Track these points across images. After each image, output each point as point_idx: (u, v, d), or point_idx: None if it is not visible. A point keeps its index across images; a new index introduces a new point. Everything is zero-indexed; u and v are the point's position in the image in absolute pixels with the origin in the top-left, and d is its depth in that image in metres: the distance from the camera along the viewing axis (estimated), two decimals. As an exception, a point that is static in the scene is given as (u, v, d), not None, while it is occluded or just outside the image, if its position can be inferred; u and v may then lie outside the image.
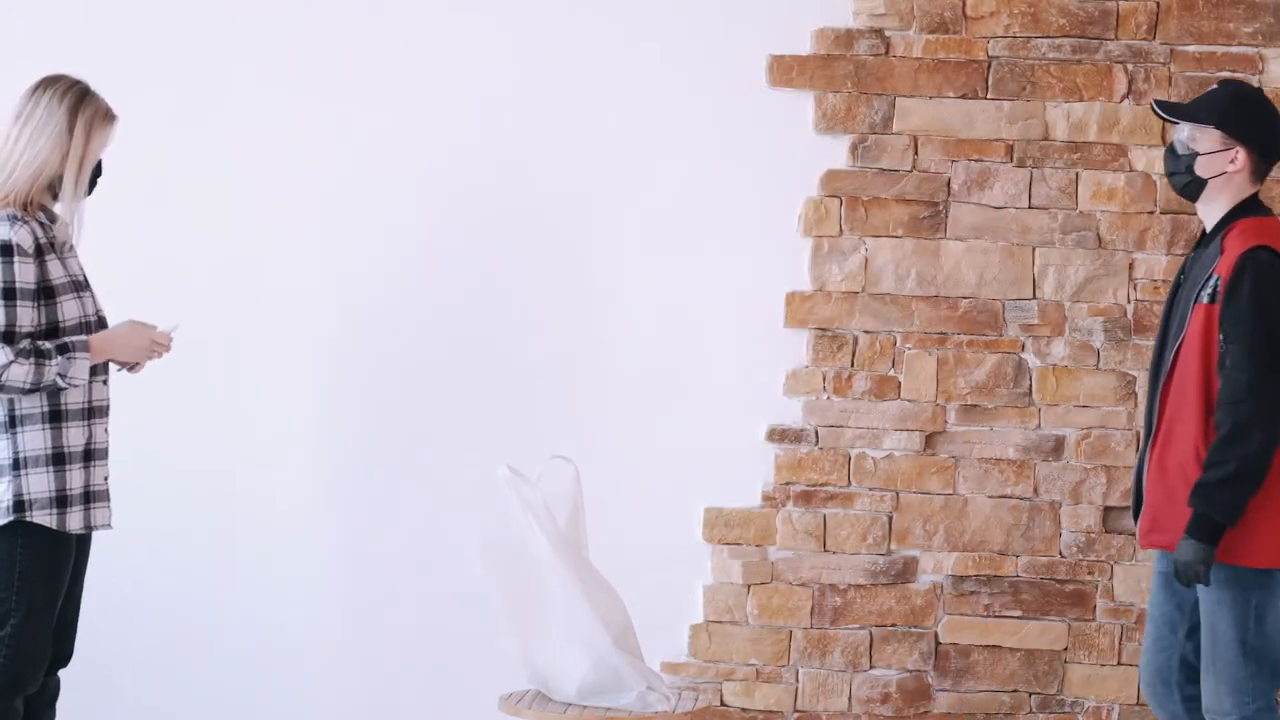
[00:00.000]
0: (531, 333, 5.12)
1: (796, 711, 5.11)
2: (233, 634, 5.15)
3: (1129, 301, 5.08)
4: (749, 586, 5.10)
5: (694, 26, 5.09)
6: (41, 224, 4.02)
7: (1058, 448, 5.08)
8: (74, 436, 4.01)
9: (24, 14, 5.13)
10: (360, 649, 5.13)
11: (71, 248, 4.10)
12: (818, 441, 5.09)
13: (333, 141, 5.11)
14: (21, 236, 3.93)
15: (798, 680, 5.11)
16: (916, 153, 5.08)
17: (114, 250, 5.13)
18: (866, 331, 5.09)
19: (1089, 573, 5.09)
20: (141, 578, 5.15)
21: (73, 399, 4.00)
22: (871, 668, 5.11)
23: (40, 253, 3.97)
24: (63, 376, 3.94)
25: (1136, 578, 5.08)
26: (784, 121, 5.08)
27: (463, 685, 5.07)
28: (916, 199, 5.08)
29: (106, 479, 4.11)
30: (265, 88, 5.12)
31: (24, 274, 3.92)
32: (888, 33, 5.07)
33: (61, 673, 5.18)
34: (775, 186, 5.09)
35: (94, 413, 4.06)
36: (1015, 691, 5.11)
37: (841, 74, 5.07)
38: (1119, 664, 5.10)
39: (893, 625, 5.11)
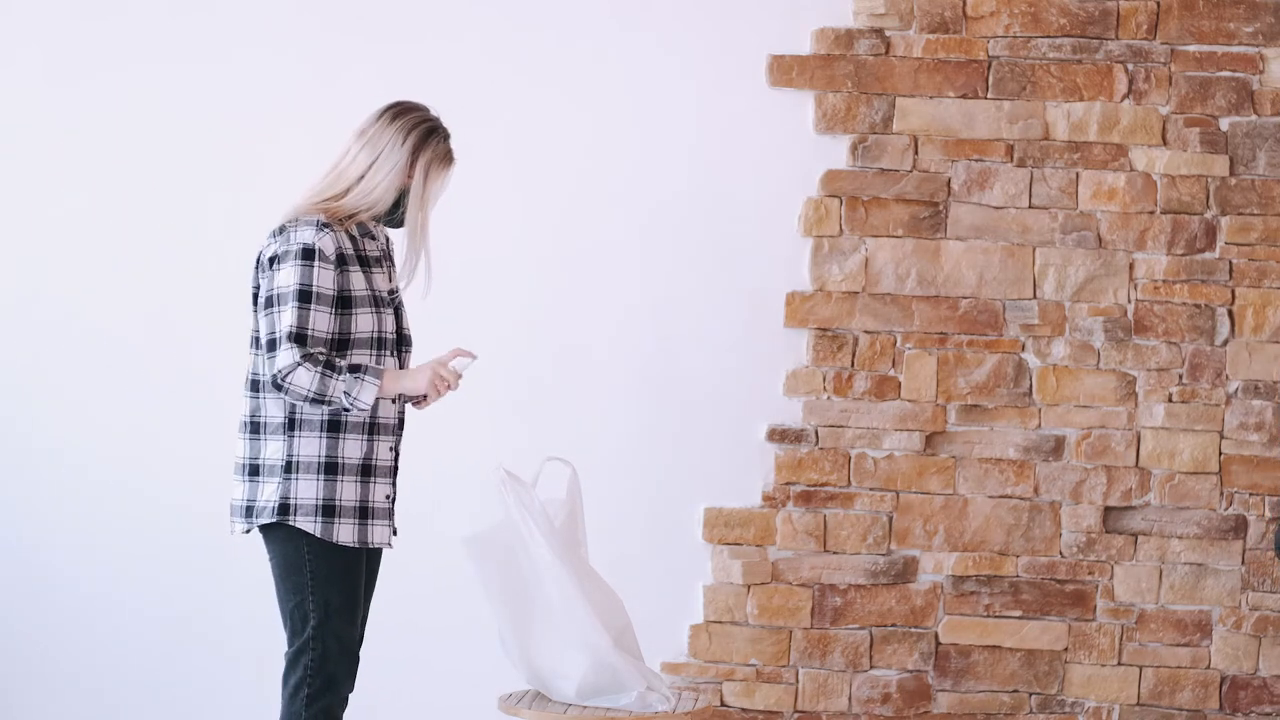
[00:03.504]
0: (530, 332, 5.12)
1: (796, 712, 5.11)
2: (232, 634, 5.15)
3: (1129, 301, 5.08)
4: (749, 586, 5.10)
5: (694, 26, 5.09)
6: (352, 236, 3.95)
7: (1058, 448, 5.08)
8: (351, 449, 3.94)
9: (26, 7, 5.14)
10: (360, 649, 5.13)
11: (380, 262, 4.01)
12: (818, 441, 5.09)
13: (325, 137, 5.10)
14: (325, 243, 3.86)
15: (798, 680, 5.11)
16: (916, 153, 5.08)
17: (100, 243, 5.16)
18: (866, 331, 5.09)
19: (1089, 573, 5.09)
20: (142, 578, 5.16)
21: (354, 412, 3.94)
22: (871, 668, 5.11)
23: (343, 262, 3.90)
24: (348, 395, 3.86)
25: (1136, 578, 5.08)
26: (784, 121, 5.08)
27: (462, 685, 5.07)
28: (916, 199, 5.09)
29: (389, 497, 4.02)
30: (253, 82, 5.13)
31: (323, 279, 3.86)
32: (888, 33, 5.07)
33: (62, 674, 5.20)
34: (775, 186, 5.09)
35: (376, 429, 3.97)
36: (1015, 692, 5.11)
37: (841, 74, 5.07)
38: (1119, 664, 5.10)
39: (893, 625, 5.11)
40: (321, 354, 3.86)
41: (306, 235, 3.87)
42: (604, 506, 5.03)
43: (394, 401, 4.03)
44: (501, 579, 4.18)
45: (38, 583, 5.17)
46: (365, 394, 3.87)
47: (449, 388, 4.02)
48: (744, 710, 5.11)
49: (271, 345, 3.85)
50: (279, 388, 3.85)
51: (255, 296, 3.95)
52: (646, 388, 5.11)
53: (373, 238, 4.03)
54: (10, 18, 5.15)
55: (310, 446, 3.91)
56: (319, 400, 3.86)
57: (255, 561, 5.03)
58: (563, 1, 5.11)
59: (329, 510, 3.92)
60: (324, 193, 3.95)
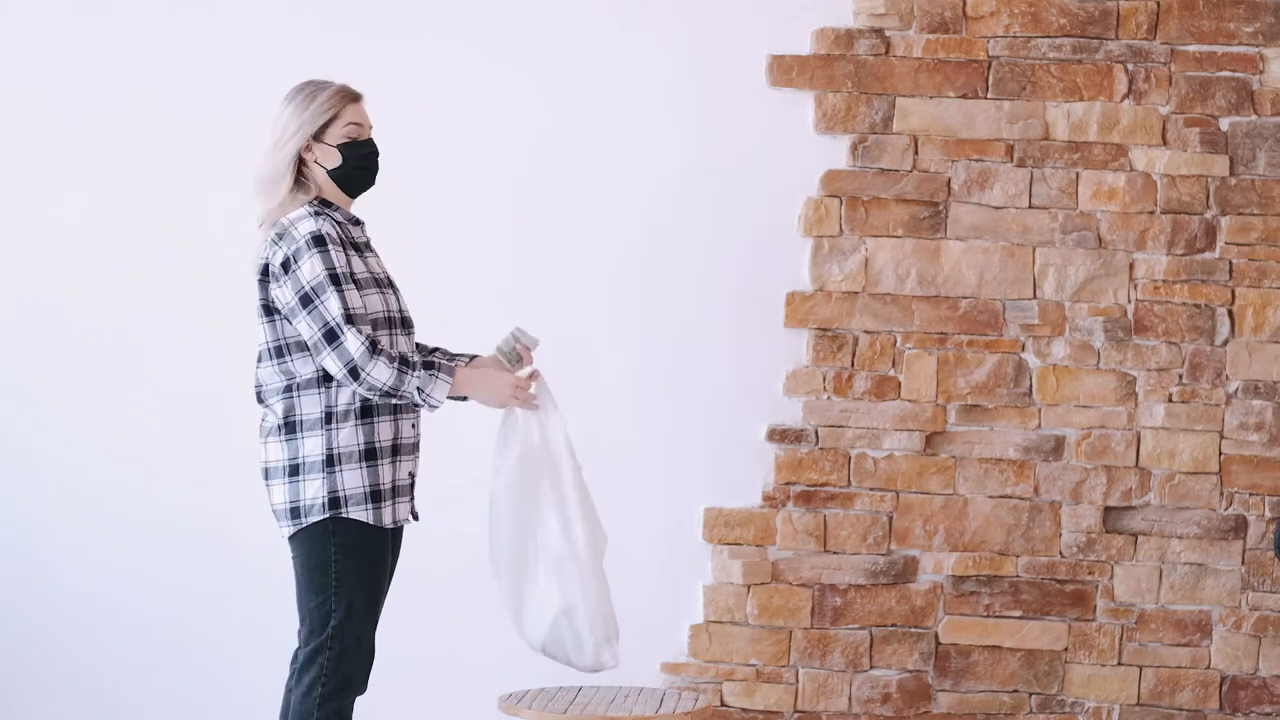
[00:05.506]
0: (530, 331, 5.11)
1: (796, 712, 5.12)
2: (232, 634, 5.15)
3: (1129, 301, 5.08)
4: (749, 586, 5.10)
5: (694, 26, 5.09)
6: (339, 222, 3.97)
7: (1058, 448, 5.08)
8: (384, 431, 3.96)
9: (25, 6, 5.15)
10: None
11: (369, 247, 4.05)
12: (818, 441, 5.09)
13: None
14: (327, 228, 3.90)
15: (798, 680, 5.11)
16: (916, 153, 5.08)
17: (100, 243, 5.16)
18: (866, 331, 5.09)
19: (1089, 573, 5.09)
20: (143, 578, 5.16)
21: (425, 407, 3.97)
22: (872, 668, 5.11)
23: (341, 245, 3.93)
24: (421, 392, 3.89)
25: (1136, 578, 5.08)
26: (784, 121, 5.09)
27: (463, 685, 5.07)
28: (916, 199, 5.09)
29: (411, 474, 4.06)
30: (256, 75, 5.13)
31: (341, 260, 3.89)
32: (888, 33, 5.07)
33: (62, 674, 5.20)
34: (775, 186, 5.09)
35: (400, 408, 3.99)
36: (1015, 692, 5.11)
37: (841, 74, 5.07)
38: (1119, 664, 5.10)
39: (893, 625, 5.11)
40: (395, 352, 3.89)
41: (309, 225, 3.90)
42: (604, 506, 5.02)
43: None
44: (512, 510, 4.12)
45: (38, 583, 5.18)
46: (438, 391, 3.91)
47: (527, 393, 4.07)
48: (744, 710, 5.11)
49: (331, 337, 3.85)
50: (355, 377, 3.85)
51: (266, 309, 3.95)
52: (646, 387, 5.11)
53: (356, 223, 4.05)
54: (10, 18, 5.15)
55: (349, 436, 3.93)
56: (391, 394, 3.88)
57: (256, 561, 5.05)
58: (563, 1, 5.11)
59: (376, 495, 3.95)
60: (293, 200, 3.97)
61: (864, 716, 5.11)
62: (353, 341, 3.84)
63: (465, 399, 4.08)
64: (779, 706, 5.11)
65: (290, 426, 3.95)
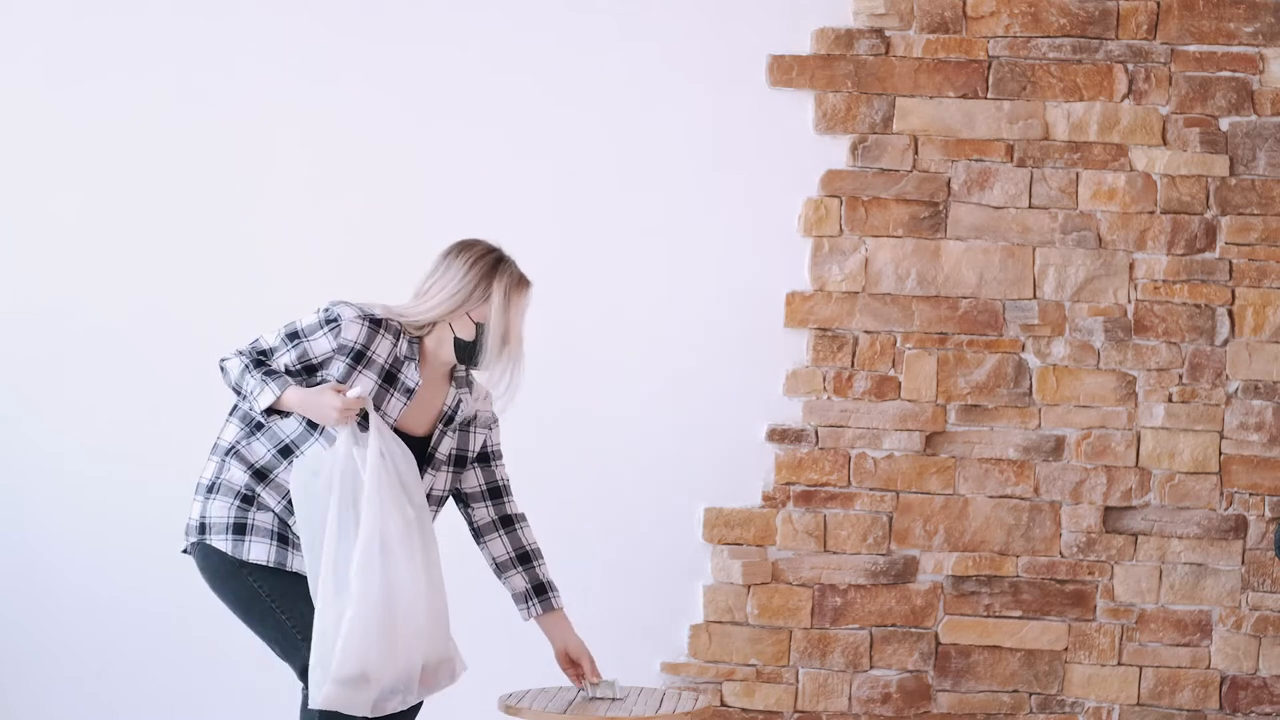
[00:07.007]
0: (530, 332, 5.11)
1: (797, 712, 5.12)
2: (232, 634, 5.15)
3: (1129, 301, 5.08)
4: (749, 586, 5.10)
5: (694, 27, 5.09)
6: (398, 357, 3.89)
7: (1058, 448, 5.08)
8: (268, 497, 3.90)
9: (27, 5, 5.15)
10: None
11: (409, 394, 3.90)
12: (818, 441, 5.09)
13: (324, 138, 5.11)
14: (351, 330, 3.85)
15: (798, 680, 5.11)
16: (916, 153, 5.08)
17: (100, 243, 5.16)
18: (866, 331, 5.09)
19: (1089, 573, 5.09)
20: (143, 578, 5.16)
21: (286, 475, 3.90)
22: (871, 668, 5.11)
23: (358, 360, 3.86)
24: (251, 394, 3.84)
25: (1137, 578, 5.09)
26: (784, 121, 5.09)
27: (463, 685, 5.06)
28: (916, 199, 5.09)
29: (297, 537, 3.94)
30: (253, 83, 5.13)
31: (316, 344, 3.86)
32: (888, 33, 5.07)
33: (62, 674, 5.20)
34: (775, 186, 5.09)
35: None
36: (1015, 692, 5.11)
37: (841, 74, 5.07)
38: (1119, 664, 5.10)
39: (893, 625, 5.11)
40: (259, 357, 3.90)
41: (347, 313, 3.86)
42: (604, 506, 5.03)
43: None
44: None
45: (38, 583, 5.17)
46: (262, 398, 3.85)
47: (352, 412, 3.88)
48: (744, 710, 5.11)
49: (249, 342, 3.92)
50: (221, 368, 3.92)
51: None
52: (646, 388, 5.11)
53: (414, 362, 3.92)
54: (10, 18, 5.15)
55: (237, 475, 3.92)
56: (236, 391, 3.90)
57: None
58: (564, 3, 5.11)
59: (240, 528, 3.90)
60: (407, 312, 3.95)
61: (864, 716, 5.11)
62: (235, 349, 3.90)
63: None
64: (779, 706, 5.11)
65: (215, 446, 3.99)
